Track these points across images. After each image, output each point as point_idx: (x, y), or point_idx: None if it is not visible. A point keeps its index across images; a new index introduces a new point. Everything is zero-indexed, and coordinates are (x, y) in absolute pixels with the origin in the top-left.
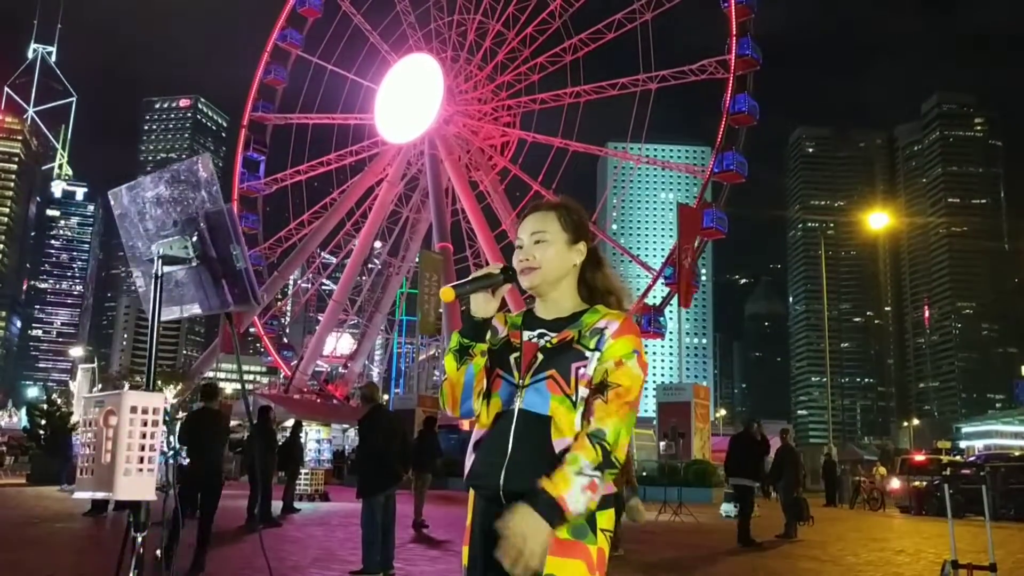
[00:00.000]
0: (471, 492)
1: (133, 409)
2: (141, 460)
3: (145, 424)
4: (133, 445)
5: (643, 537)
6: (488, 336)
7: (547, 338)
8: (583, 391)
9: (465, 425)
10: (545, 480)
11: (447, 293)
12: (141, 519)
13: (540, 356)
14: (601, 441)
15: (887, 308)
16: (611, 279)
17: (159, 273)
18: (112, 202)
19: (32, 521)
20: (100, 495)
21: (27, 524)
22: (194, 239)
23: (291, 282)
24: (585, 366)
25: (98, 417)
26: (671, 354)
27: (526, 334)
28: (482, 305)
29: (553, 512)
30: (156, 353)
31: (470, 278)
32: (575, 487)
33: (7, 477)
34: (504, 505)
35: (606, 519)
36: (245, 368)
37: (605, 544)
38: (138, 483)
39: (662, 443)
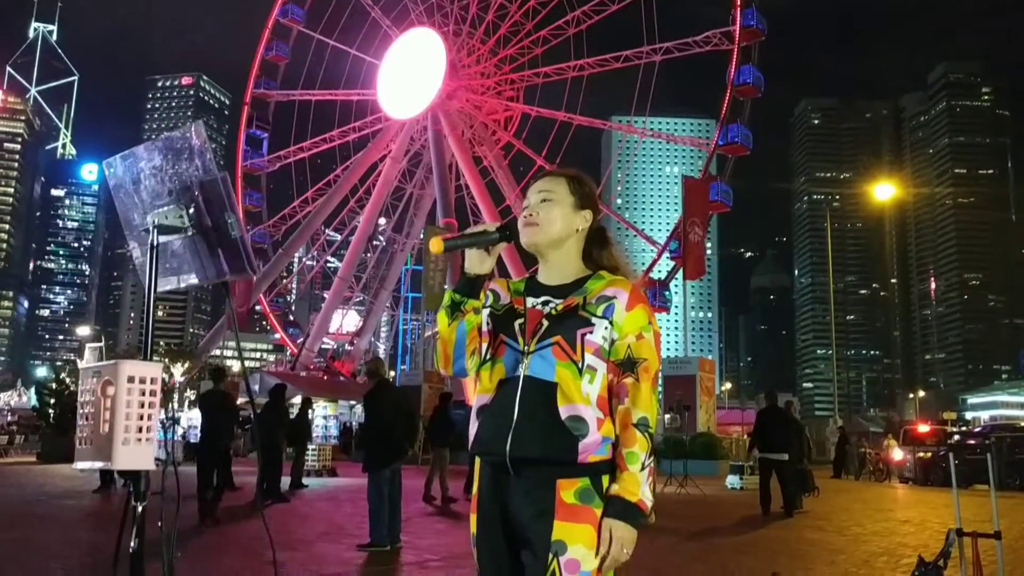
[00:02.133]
0: (477, 460)
1: (130, 379)
2: (140, 430)
3: (143, 394)
4: (131, 415)
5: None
6: (481, 295)
7: (552, 305)
8: (589, 358)
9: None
10: (617, 487)
11: (436, 244)
12: (141, 488)
13: (545, 323)
14: (647, 429)
15: (893, 280)
16: (617, 258)
17: (155, 243)
18: (107, 172)
19: (40, 498)
20: (99, 465)
21: (36, 501)
22: (190, 209)
23: (296, 259)
24: (591, 332)
25: (96, 387)
26: (676, 328)
27: (530, 300)
28: (476, 262)
29: (638, 516)
30: (153, 323)
31: (463, 233)
32: (644, 484)
33: (17, 455)
34: (511, 472)
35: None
36: (252, 346)
37: None
38: (137, 453)
39: (667, 416)
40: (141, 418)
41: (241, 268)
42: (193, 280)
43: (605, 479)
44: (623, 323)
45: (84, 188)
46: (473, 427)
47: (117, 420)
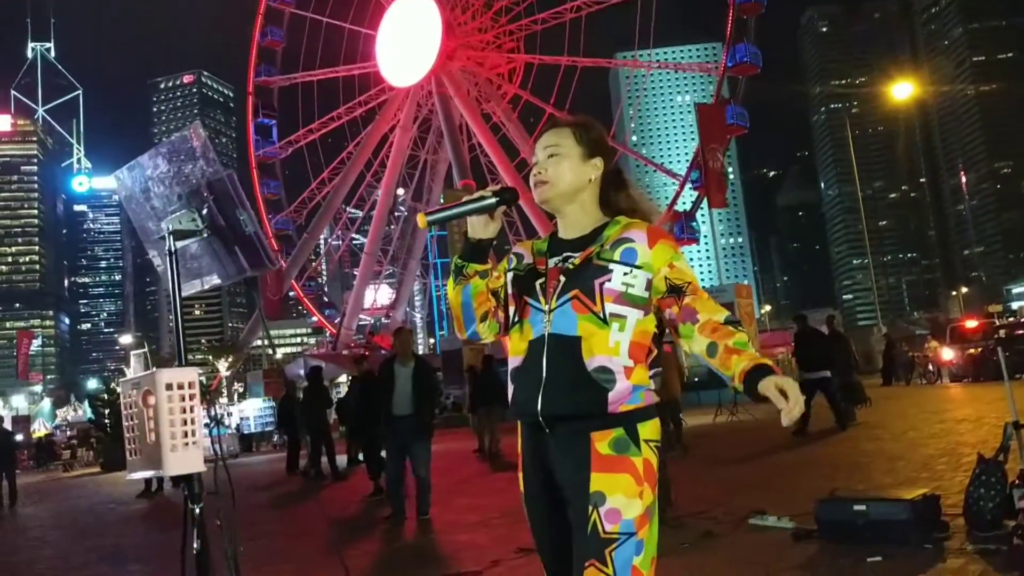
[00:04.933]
0: (519, 421)
1: (169, 386)
2: (185, 435)
3: (183, 399)
4: (175, 421)
5: (699, 441)
6: (503, 260)
7: (570, 260)
8: (611, 307)
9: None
10: (746, 360)
11: (420, 220)
12: (196, 491)
13: (563, 278)
14: (736, 323)
15: (922, 180)
16: (636, 199)
17: (172, 249)
18: (116, 185)
19: (111, 505)
20: (150, 473)
21: (109, 509)
22: (203, 211)
23: (322, 241)
24: (609, 280)
25: (137, 398)
26: (708, 258)
27: (552, 260)
28: (479, 227)
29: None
30: (185, 327)
31: (453, 203)
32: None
33: (82, 468)
34: (545, 430)
35: (649, 430)
36: (291, 331)
37: (652, 455)
38: (186, 457)
39: None
40: (185, 423)
41: (260, 263)
42: (216, 280)
43: (640, 427)
44: (651, 261)
45: (104, 200)
46: (511, 389)
47: (162, 428)
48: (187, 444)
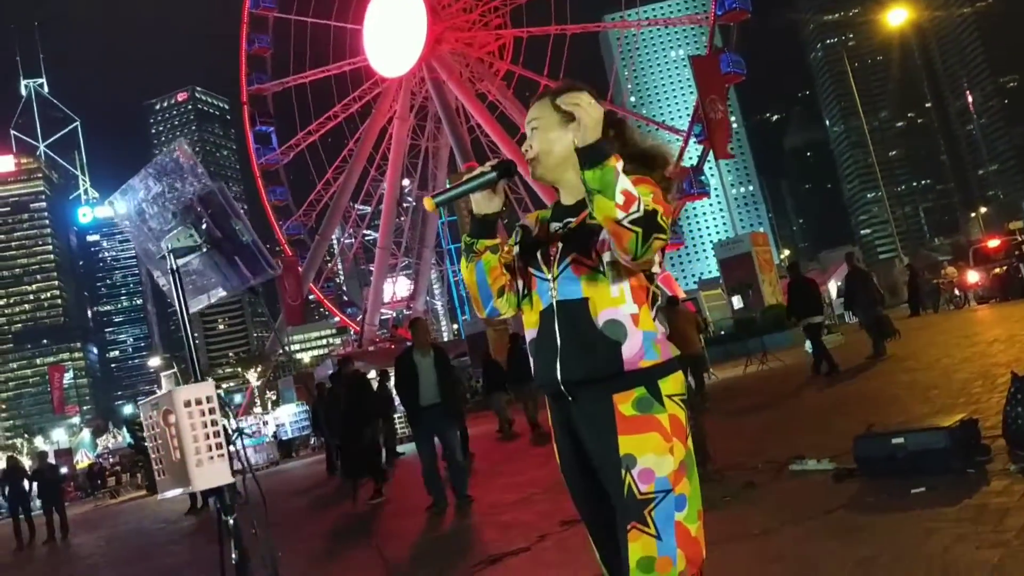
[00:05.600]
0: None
1: (187, 403)
2: (209, 448)
3: (203, 414)
4: (198, 436)
5: (730, 394)
6: (513, 234)
7: (568, 224)
8: (608, 256)
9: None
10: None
11: (428, 203)
12: (227, 502)
13: (561, 244)
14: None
15: (927, 105)
16: (640, 143)
17: (174, 267)
18: (112, 210)
19: (160, 526)
20: (179, 491)
21: (158, 530)
22: (202, 226)
23: (334, 241)
24: (603, 234)
25: (159, 419)
26: (720, 209)
27: (553, 226)
28: (483, 203)
29: (606, 146)
30: (203, 345)
31: (456, 183)
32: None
33: (128, 492)
34: (568, 398)
35: (671, 385)
36: (316, 334)
37: (678, 409)
38: (213, 471)
39: (733, 299)
40: (208, 437)
41: (261, 270)
42: (221, 293)
43: (662, 383)
44: None
45: (115, 228)
46: (532, 362)
47: (185, 444)
48: (212, 458)
